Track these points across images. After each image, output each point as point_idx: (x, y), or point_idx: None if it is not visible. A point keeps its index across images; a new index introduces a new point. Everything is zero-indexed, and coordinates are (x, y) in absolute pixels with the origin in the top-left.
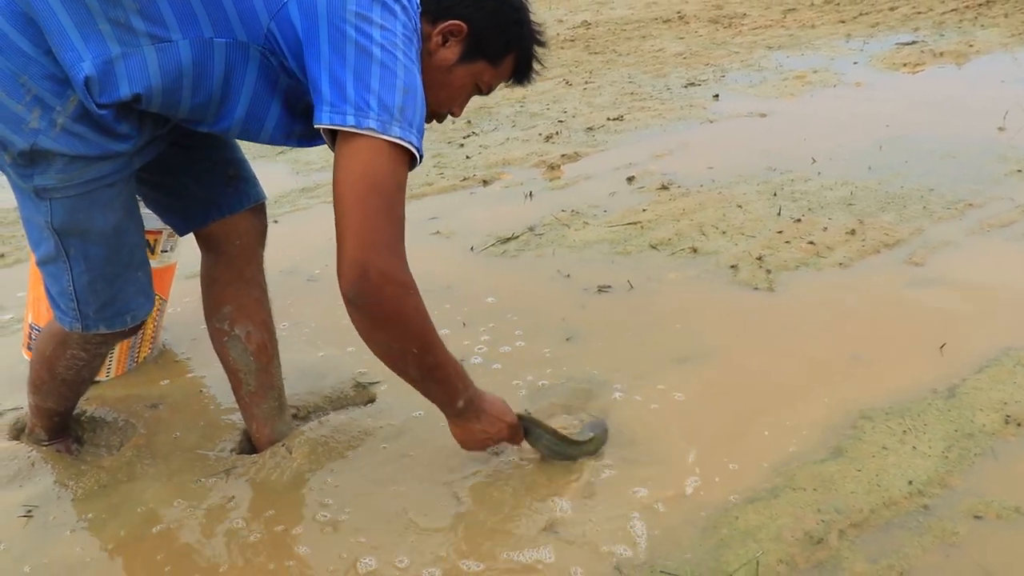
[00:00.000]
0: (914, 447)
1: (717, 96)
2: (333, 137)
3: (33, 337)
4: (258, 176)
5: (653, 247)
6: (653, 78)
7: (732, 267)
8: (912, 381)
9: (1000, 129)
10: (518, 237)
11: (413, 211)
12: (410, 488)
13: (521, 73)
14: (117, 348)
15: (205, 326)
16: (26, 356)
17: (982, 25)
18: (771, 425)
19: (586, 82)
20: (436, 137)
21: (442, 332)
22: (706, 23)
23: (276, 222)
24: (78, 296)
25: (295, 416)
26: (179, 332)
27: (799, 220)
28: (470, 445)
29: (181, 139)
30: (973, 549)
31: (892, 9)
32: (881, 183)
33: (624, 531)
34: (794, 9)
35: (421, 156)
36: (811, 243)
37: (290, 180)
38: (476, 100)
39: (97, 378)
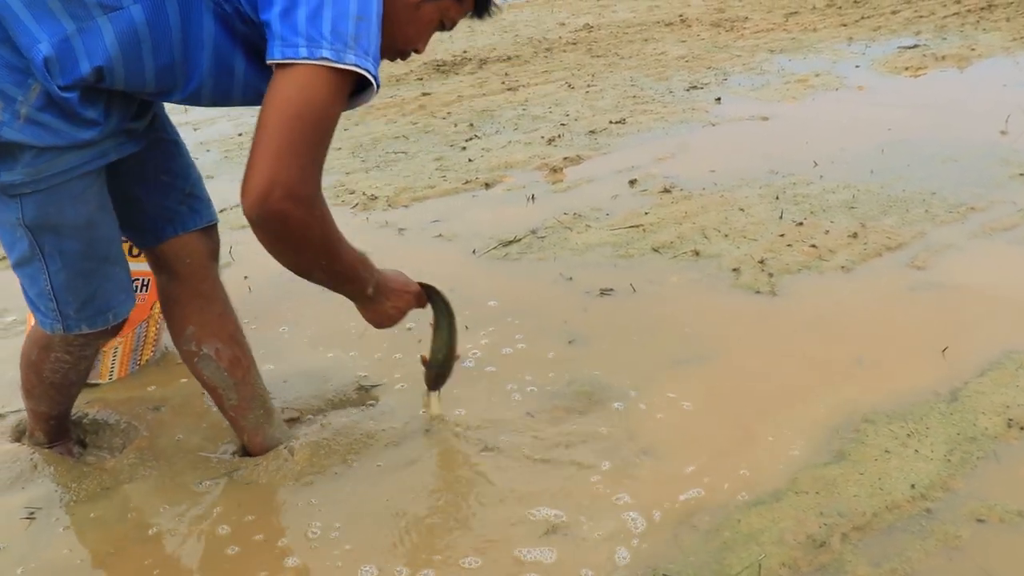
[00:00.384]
0: (916, 450)
1: (719, 99)
2: None
3: None
4: None
5: (655, 250)
6: (655, 81)
7: (734, 270)
8: (914, 384)
9: (1002, 133)
10: (520, 240)
11: (415, 214)
12: (410, 489)
13: (481, 7)
14: (120, 350)
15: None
16: None
17: (984, 29)
18: (773, 428)
19: (588, 85)
20: (438, 140)
21: None
22: (708, 26)
23: None
24: (57, 296)
25: (297, 420)
26: None
27: (801, 223)
28: (383, 323)
29: (144, 150)
30: (976, 552)
31: (894, 13)
32: (883, 186)
33: (626, 533)
34: (796, 12)
35: (378, 84)
36: (813, 246)
37: None
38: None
39: (100, 381)
